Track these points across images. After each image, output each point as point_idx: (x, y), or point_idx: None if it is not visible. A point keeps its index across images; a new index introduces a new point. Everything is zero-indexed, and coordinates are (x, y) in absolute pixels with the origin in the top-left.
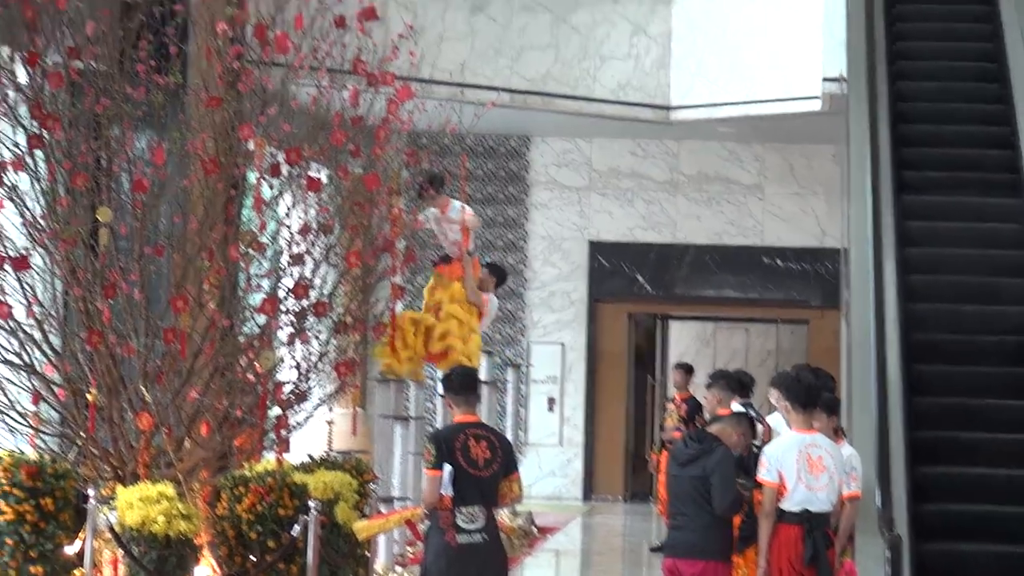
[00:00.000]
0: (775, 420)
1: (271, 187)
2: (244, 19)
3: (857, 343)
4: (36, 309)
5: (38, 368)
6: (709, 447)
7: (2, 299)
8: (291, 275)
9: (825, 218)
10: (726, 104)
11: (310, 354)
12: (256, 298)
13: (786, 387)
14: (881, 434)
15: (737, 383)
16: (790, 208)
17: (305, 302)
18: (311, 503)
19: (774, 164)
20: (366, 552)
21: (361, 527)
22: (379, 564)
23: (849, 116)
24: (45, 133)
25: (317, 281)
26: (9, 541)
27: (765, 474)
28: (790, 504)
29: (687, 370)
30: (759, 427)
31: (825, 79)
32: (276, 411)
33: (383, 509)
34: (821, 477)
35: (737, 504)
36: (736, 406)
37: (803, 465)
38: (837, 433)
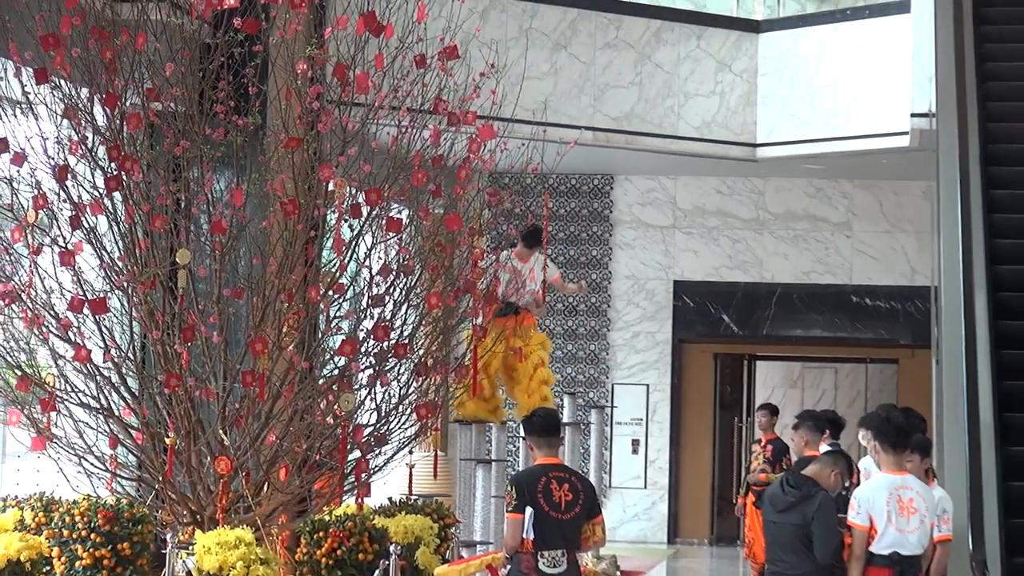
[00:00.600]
0: (865, 463)
1: (351, 228)
2: (324, 59)
3: (948, 381)
4: (114, 352)
5: (116, 411)
6: (808, 493)
7: (80, 342)
8: (371, 317)
9: (915, 255)
10: (813, 141)
11: (390, 397)
12: (336, 340)
13: (876, 428)
14: (972, 467)
15: (827, 423)
16: (879, 246)
17: (385, 344)
18: (391, 547)
19: (862, 201)
20: None
21: (442, 572)
22: None
23: (939, 152)
24: (123, 175)
25: (397, 323)
26: None
27: (855, 516)
28: (880, 547)
29: (772, 411)
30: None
31: (914, 114)
32: (356, 454)
33: (464, 554)
34: (912, 520)
35: (840, 550)
36: (824, 447)
37: (893, 507)
38: (928, 475)
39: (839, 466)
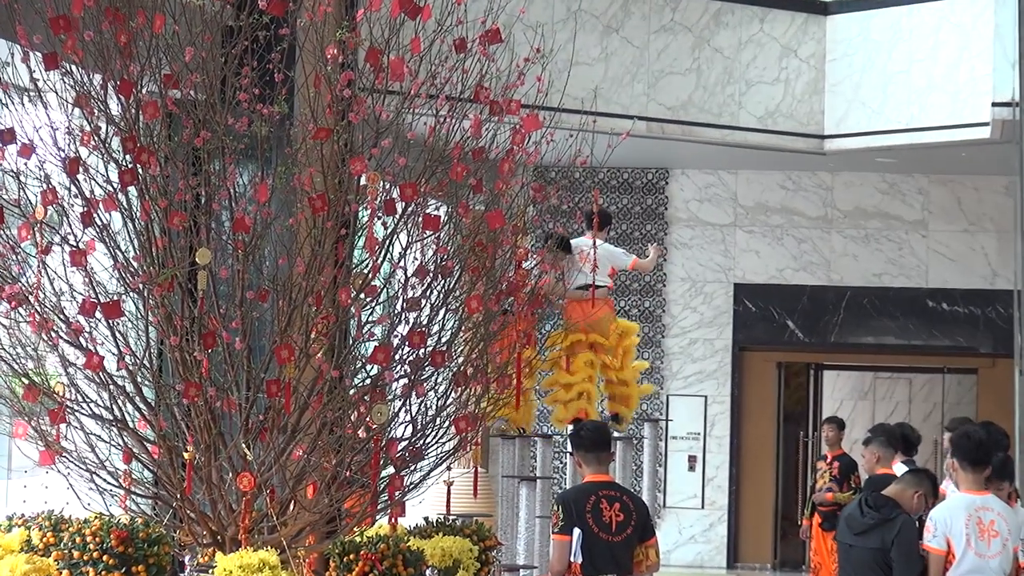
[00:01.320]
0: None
1: (385, 226)
2: (356, 43)
3: None
4: (128, 359)
5: (130, 424)
6: (888, 515)
7: (92, 349)
8: (406, 322)
9: (996, 257)
10: (886, 132)
11: (427, 408)
12: (368, 347)
13: (954, 443)
14: None
15: (900, 439)
16: (957, 246)
17: (421, 351)
18: (428, 572)
19: (939, 198)
20: None
21: None
22: None
23: (1023, 144)
24: (139, 168)
25: (435, 328)
26: None
27: (931, 540)
28: (958, 573)
29: (839, 425)
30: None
31: (995, 104)
32: (389, 471)
33: None
34: (993, 544)
35: None
36: (899, 466)
37: (973, 530)
38: (1011, 497)
39: (923, 487)
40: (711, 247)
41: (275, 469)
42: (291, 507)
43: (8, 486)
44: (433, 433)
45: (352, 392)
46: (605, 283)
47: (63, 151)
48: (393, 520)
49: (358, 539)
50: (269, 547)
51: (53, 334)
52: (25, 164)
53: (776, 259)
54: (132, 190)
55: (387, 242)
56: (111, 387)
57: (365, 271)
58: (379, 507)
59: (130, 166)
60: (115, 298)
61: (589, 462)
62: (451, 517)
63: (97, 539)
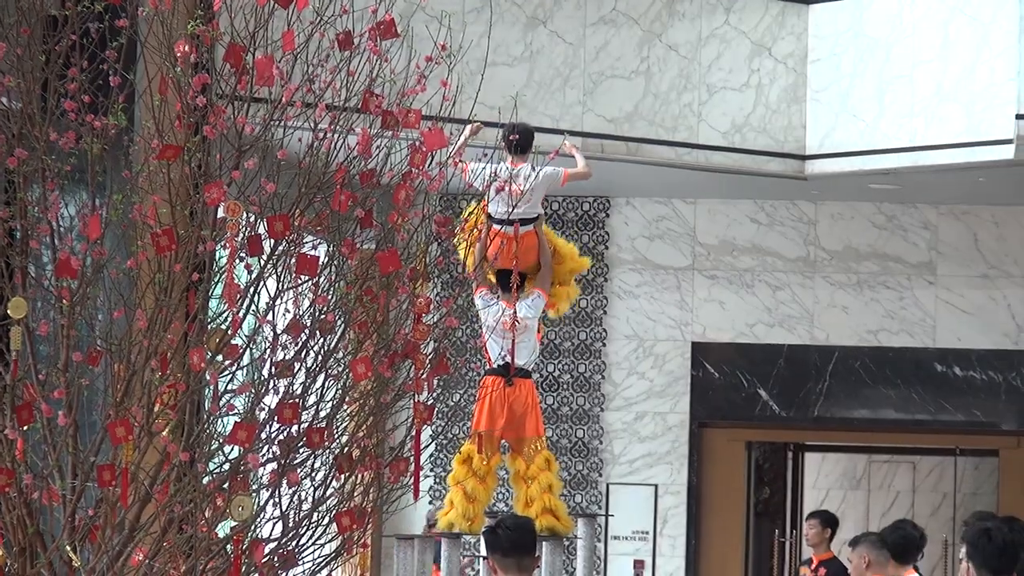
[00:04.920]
0: None
1: (249, 269)
2: (213, 38)
3: None
4: None
5: None
6: None
7: None
8: (275, 391)
9: (1021, 309)
10: (883, 151)
11: (301, 501)
12: (227, 423)
13: (971, 544)
14: None
15: (898, 539)
16: (973, 296)
17: (295, 428)
18: None
19: (951, 235)
20: None
21: None
22: None
23: None
24: None
25: (311, 400)
26: None
27: None
28: None
29: (825, 521)
30: None
31: (1020, 116)
32: None
33: None
34: None
35: None
36: (893, 571)
37: None
38: None
39: None
40: (663, 296)
41: None
42: None
43: None
44: (309, 532)
45: (207, 481)
46: (535, 212)
47: None
48: None
49: None
50: None
51: None
52: None
53: (745, 312)
54: None
55: (251, 290)
56: None
57: (223, 327)
58: None
59: None
60: None
61: (507, 568)
62: None
63: None
